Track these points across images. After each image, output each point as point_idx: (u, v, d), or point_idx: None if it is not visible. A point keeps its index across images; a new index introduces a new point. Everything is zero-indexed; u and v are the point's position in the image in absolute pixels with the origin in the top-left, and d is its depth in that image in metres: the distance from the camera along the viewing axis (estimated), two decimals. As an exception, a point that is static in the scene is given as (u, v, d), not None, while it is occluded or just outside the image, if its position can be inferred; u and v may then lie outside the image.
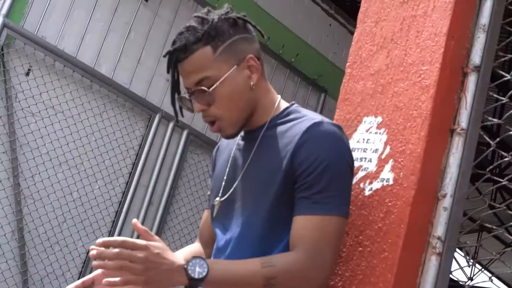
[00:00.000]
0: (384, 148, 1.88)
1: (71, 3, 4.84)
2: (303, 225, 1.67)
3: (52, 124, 4.74)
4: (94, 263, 1.57)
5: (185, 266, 1.56)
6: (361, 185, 1.89)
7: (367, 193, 1.87)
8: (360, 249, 1.82)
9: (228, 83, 1.75)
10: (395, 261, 1.73)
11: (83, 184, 4.95)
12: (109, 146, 5.09)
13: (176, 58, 1.76)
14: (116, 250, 1.53)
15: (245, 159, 1.86)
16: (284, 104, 1.88)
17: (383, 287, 1.73)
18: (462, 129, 1.84)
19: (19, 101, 4.58)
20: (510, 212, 1.84)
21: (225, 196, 1.87)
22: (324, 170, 1.69)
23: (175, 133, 5.52)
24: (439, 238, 1.77)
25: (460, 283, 1.93)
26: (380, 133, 1.91)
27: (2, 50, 4.46)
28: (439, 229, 1.78)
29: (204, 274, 1.56)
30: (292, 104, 1.88)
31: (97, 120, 5.01)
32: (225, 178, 1.89)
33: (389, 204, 1.80)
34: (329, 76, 6.55)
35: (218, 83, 1.74)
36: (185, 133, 5.58)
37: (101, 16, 5.08)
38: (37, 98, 4.65)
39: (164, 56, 1.80)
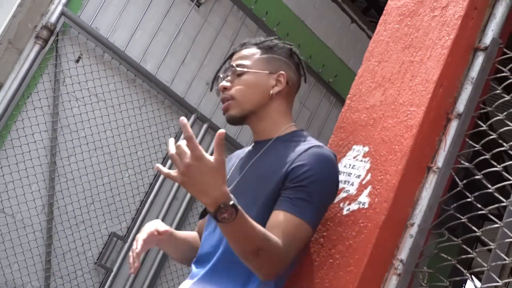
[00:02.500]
0: (366, 175, 2.11)
1: (127, 0, 5.13)
2: (283, 219, 1.89)
3: (93, 111, 5.03)
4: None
5: (219, 205, 1.65)
6: (341, 205, 2.12)
7: (344, 212, 2.10)
8: (331, 260, 2.05)
9: (255, 76, 2.11)
10: (357, 275, 1.96)
11: (114, 171, 5.23)
12: (143, 138, 5.36)
13: (234, 50, 2.21)
14: (178, 143, 1.65)
15: (246, 164, 2.13)
16: (294, 128, 2.15)
17: (345, 297, 1.96)
18: (437, 168, 2.06)
19: (66, 85, 4.87)
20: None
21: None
22: (313, 182, 1.94)
23: (208, 134, 5.77)
24: (401, 260, 1.99)
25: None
26: (365, 161, 2.14)
27: (57, 36, 4.76)
28: (403, 253, 2.00)
29: (226, 221, 1.67)
30: (302, 130, 2.15)
31: (136, 113, 5.29)
32: (234, 182, 2.15)
33: (361, 224, 2.03)
34: (344, 81, 6.65)
35: (247, 70, 2.11)
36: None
37: (153, 15, 5.35)
38: (83, 84, 4.95)
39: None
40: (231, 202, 1.66)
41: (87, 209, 5.09)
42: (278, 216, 1.90)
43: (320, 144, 2.05)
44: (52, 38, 4.70)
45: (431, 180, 2.06)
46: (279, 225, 1.88)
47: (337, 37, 6.57)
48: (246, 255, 1.81)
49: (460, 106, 2.10)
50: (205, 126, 5.75)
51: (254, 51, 2.15)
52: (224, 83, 2.13)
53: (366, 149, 2.16)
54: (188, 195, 5.70)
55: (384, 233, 1.99)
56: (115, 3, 5.10)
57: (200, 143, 5.66)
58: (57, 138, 4.87)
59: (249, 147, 2.23)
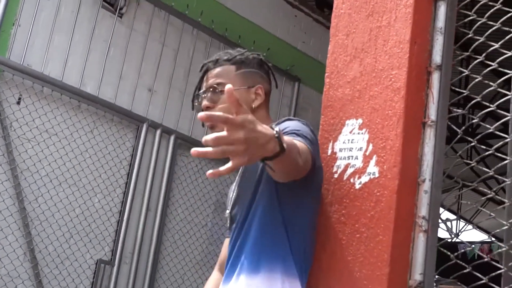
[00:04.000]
0: (368, 146, 2.17)
1: (51, 30, 5.05)
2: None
3: (48, 147, 4.97)
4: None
5: (276, 135, 1.61)
6: (351, 180, 2.18)
7: (357, 186, 2.15)
8: (358, 235, 2.11)
9: (236, 94, 2.07)
10: (389, 242, 2.02)
11: (84, 199, 5.19)
12: (103, 160, 5.33)
13: (207, 67, 2.22)
14: (214, 135, 1.48)
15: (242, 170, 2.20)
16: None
17: (381, 266, 2.02)
18: (432, 121, 2.13)
19: (14, 130, 4.80)
20: (482, 168, 2.12)
21: (231, 206, 2.19)
22: (291, 131, 2.02)
23: (163, 139, 5.77)
24: (423, 217, 2.06)
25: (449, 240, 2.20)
26: (362, 133, 2.20)
27: (-7, 83, 4.67)
28: (423, 210, 2.07)
29: (284, 145, 1.65)
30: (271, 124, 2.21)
31: (89, 137, 5.25)
32: (233, 192, 2.22)
33: (378, 194, 2.09)
34: (301, 65, 6.83)
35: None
36: (172, 138, 5.82)
37: (80, 37, 5.29)
38: (30, 124, 4.88)
39: (200, 71, 2.25)
40: (274, 130, 1.63)
41: (68, 244, 5.04)
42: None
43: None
44: (-12, 86, 4.60)
45: (429, 135, 2.12)
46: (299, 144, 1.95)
47: (260, 11, 6.62)
48: (299, 161, 1.86)
49: (437, 57, 2.17)
50: (158, 131, 5.73)
51: (229, 68, 2.19)
52: (207, 102, 2.16)
53: (360, 121, 2.21)
54: (161, 203, 5.70)
55: (401, 196, 2.05)
56: (41, 36, 5.03)
57: (158, 149, 5.66)
58: (20, 184, 4.80)
59: None
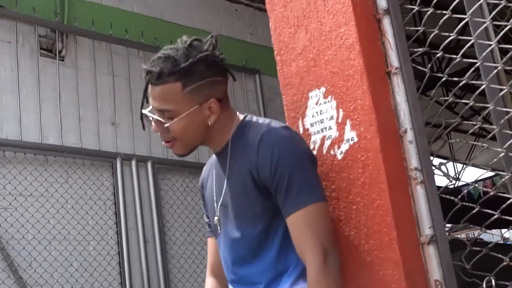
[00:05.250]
0: (338, 112, 2.04)
1: (-5, 92, 4.90)
2: (293, 225, 1.85)
3: (26, 210, 4.81)
4: None
5: None
6: (332, 152, 2.05)
7: (339, 157, 2.02)
8: (354, 207, 1.98)
9: (187, 120, 1.91)
10: (388, 204, 1.89)
11: (78, 251, 5.04)
12: (86, 206, 5.17)
13: (149, 79, 1.92)
14: None
15: (223, 176, 2.02)
16: (240, 118, 2.03)
17: (387, 231, 1.89)
18: (396, 68, 2.00)
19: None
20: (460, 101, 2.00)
21: (220, 212, 2.03)
22: (288, 172, 1.85)
23: (140, 168, 5.62)
24: (416, 169, 1.93)
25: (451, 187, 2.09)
26: (328, 101, 2.07)
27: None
28: (413, 161, 1.94)
29: None
30: (246, 117, 2.03)
31: (66, 188, 5.09)
32: (215, 199, 2.05)
33: (362, 158, 1.96)
34: (255, 57, 6.70)
35: (177, 119, 1.90)
36: (149, 165, 5.67)
37: (28, 91, 5.13)
38: (2, 192, 4.72)
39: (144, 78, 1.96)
40: None
41: (74, 301, 4.89)
42: (290, 223, 1.87)
43: (265, 127, 1.94)
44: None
45: (397, 83, 2.00)
46: (299, 235, 1.84)
47: (201, 16, 6.49)
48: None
49: (382, 2, 2.04)
50: (133, 162, 5.59)
51: (174, 87, 1.89)
52: (154, 125, 1.95)
53: (323, 89, 2.09)
54: (157, 232, 5.55)
55: (387, 153, 1.92)
56: (-13, 101, 4.87)
57: (138, 179, 5.53)
58: (9, 254, 4.64)
59: (214, 160, 2.12)
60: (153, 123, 1.95)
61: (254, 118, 2.03)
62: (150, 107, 1.98)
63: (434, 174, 1.95)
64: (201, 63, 1.92)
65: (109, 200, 5.38)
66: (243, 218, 1.95)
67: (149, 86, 1.93)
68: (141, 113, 1.99)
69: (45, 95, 5.20)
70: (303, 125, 2.15)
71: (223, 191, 2.01)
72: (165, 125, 1.91)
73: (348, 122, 2.00)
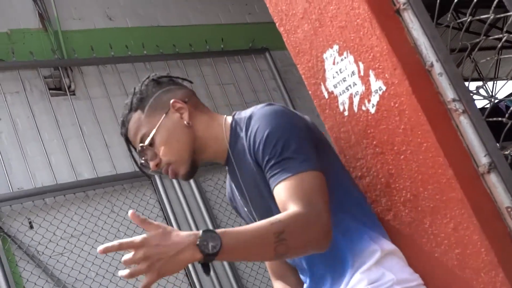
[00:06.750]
0: (358, 66, 1.94)
1: (19, 146, 4.87)
2: (282, 191, 1.74)
3: (90, 251, 4.78)
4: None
5: (197, 243, 1.52)
6: (363, 108, 1.95)
7: (372, 110, 1.93)
8: (402, 156, 1.88)
9: (163, 130, 1.94)
10: (435, 144, 1.79)
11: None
12: (139, 229, 5.11)
13: (123, 135, 2.00)
14: (123, 258, 1.55)
15: (240, 185, 1.98)
16: (229, 120, 1.99)
17: (442, 171, 1.79)
18: (404, 3, 1.90)
19: (42, 253, 4.63)
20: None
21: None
22: (276, 140, 1.78)
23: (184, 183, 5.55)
24: (454, 100, 1.83)
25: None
26: (345, 57, 1.97)
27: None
28: (449, 93, 1.84)
29: (218, 247, 1.53)
30: (234, 116, 1.99)
31: (114, 218, 5.05)
32: (246, 209, 2.02)
33: (397, 105, 1.86)
34: (260, 35, 6.58)
35: (152, 133, 1.93)
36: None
37: (49, 134, 5.10)
38: (65, 236, 4.72)
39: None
40: (200, 233, 1.54)
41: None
42: (278, 191, 1.76)
43: (252, 111, 1.92)
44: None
45: (410, 18, 1.89)
46: (286, 197, 1.72)
47: (194, 10, 6.39)
48: (275, 250, 1.63)
49: None
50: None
51: (136, 117, 1.97)
52: (151, 163, 1.96)
53: (336, 47, 1.99)
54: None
55: (420, 93, 1.82)
56: (13, 155, 4.85)
57: (182, 191, 5.47)
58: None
59: (228, 175, 2.09)
60: (149, 162, 1.96)
61: (242, 113, 1.98)
62: (138, 154, 2.00)
63: (473, 100, 1.84)
64: (147, 87, 2.01)
65: (158, 216, 5.33)
66: (268, 214, 1.86)
67: (128, 139, 2.00)
68: (138, 166, 2.01)
69: (67, 133, 5.16)
70: (327, 89, 2.06)
71: (247, 198, 1.98)
72: (147, 145, 1.93)
73: (371, 73, 1.91)
